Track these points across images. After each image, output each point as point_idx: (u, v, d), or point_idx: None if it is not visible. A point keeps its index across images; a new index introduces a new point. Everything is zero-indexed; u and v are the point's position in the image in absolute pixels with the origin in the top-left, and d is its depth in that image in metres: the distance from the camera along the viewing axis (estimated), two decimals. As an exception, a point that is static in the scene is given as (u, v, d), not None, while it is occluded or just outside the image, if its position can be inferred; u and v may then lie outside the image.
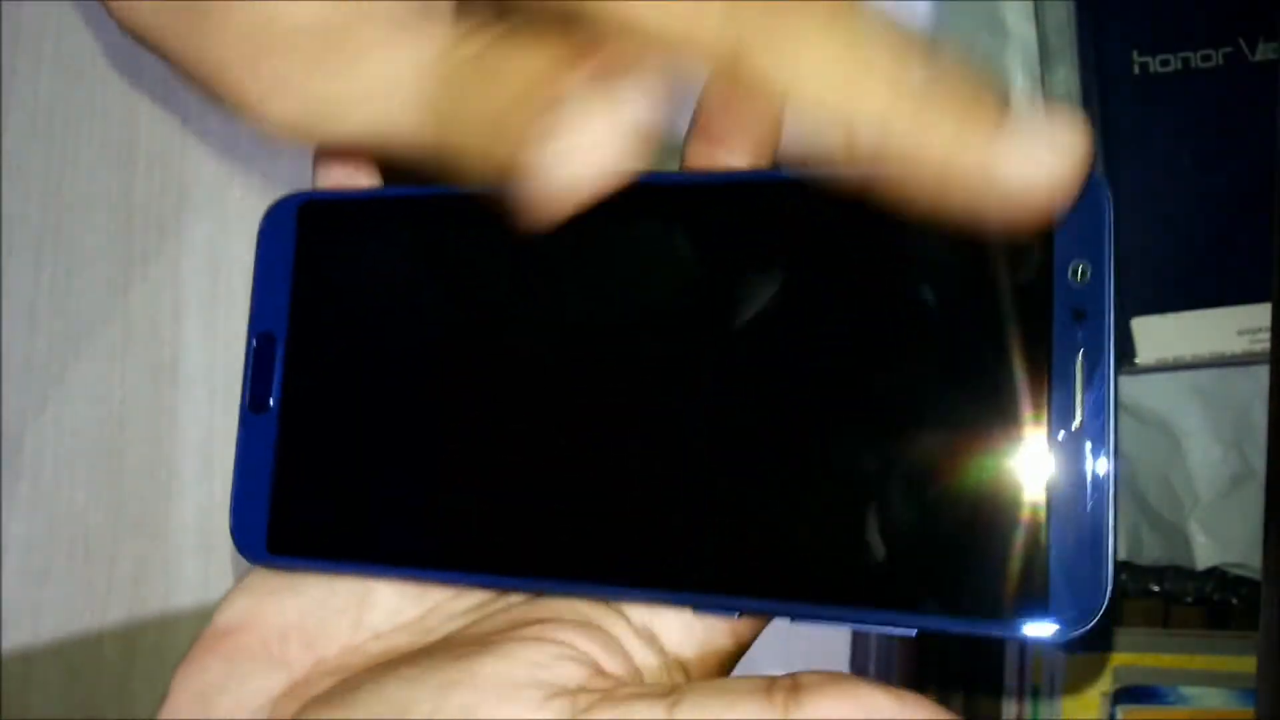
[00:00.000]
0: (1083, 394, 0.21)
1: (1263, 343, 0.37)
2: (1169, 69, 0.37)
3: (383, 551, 0.26)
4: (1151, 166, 0.37)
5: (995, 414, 0.22)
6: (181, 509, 0.38)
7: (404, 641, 0.25)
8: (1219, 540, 0.40)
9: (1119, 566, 0.21)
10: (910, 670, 0.43)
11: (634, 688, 0.22)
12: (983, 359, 0.22)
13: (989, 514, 0.21)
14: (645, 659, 0.23)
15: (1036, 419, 0.21)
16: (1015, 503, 0.21)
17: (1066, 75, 0.38)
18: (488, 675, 0.22)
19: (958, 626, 0.22)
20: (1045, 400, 0.21)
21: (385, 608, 0.26)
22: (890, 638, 0.40)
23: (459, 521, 0.26)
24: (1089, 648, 0.41)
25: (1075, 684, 0.41)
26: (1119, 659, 0.41)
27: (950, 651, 0.43)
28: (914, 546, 0.22)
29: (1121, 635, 0.42)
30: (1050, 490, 0.21)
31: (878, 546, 0.22)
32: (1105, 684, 0.41)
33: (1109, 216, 0.21)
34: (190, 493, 0.38)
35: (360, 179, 0.28)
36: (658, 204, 0.25)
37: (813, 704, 0.21)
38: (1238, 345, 0.38)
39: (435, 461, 0.26)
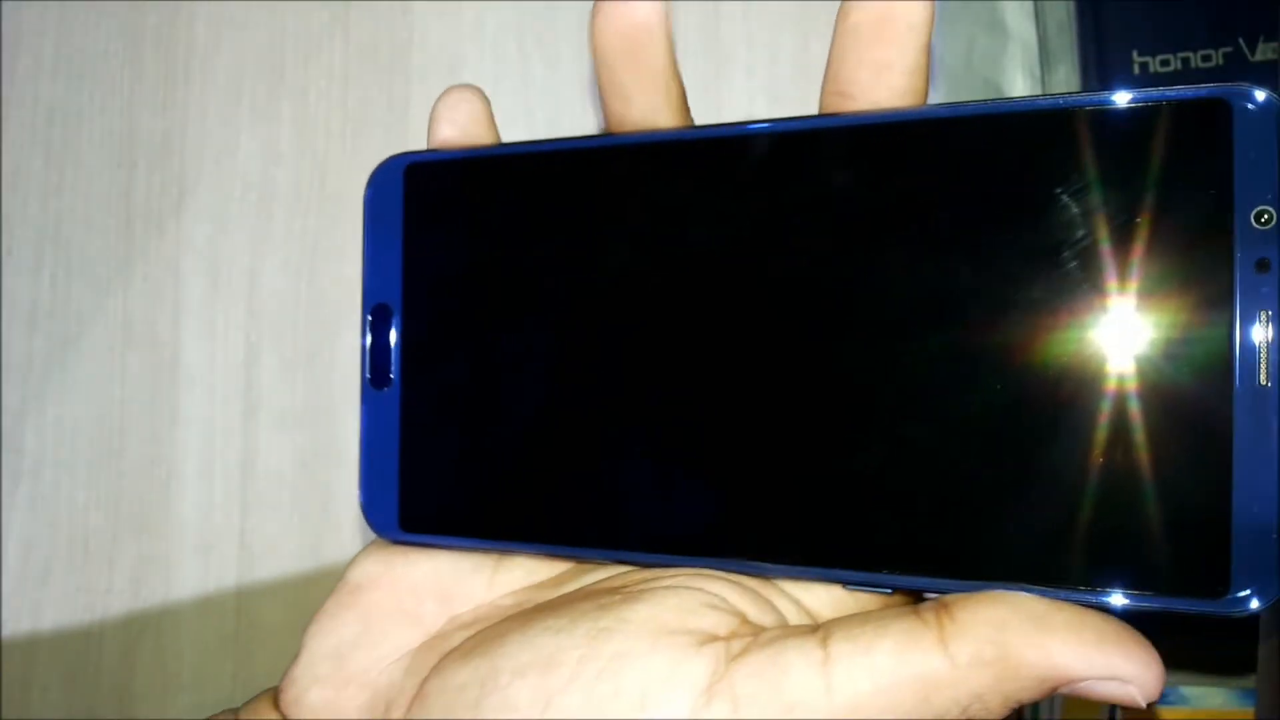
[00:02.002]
0: (1271, 350, 0.19)
1: (1263, 343, 0.37)
2: (1169, 69, 0.37)
3: (516, 528, 0.25)
4: (1151, 166, 0.37)
5: (1177, 374, 0.20)
6: (181, 509, 0.38)
7: (539, 599, 0.25)
8: (1219, 540, 0.40)
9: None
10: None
11: (781, 629, 0.22)
12: (1162, 315, 0.20)
13: (1169, 481, 0.20)
14: (791, 614, 0.23)
15: (1222, 378, 0.20)
16: (1198, 469, 0.20)
17: (1066, 75, 0.38)
18: (640, 621, 0.22)
19: (1140, 601, 0.20)
20: (1230, 358, 0.20)
21: (520, 567, 0.26)
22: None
23: (594, 497, 0.25)
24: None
25: (1075, 684, 0.41)
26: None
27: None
28: (1090, 518, 0.20)
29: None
30: (1235, 452, 0.19)
31: (1050, 520, 0.21)
32: (1105, 684, 0.41)
33: None
34: (190, 493, 0.38)
35: (476, 134, 0.27)
36: (781, 156, 0.23)
37: (966, 613, 0.20)
38: (1238, 345, 0.38)
39: (565, 433, 0.25)
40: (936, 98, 0.39)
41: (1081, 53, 0.38)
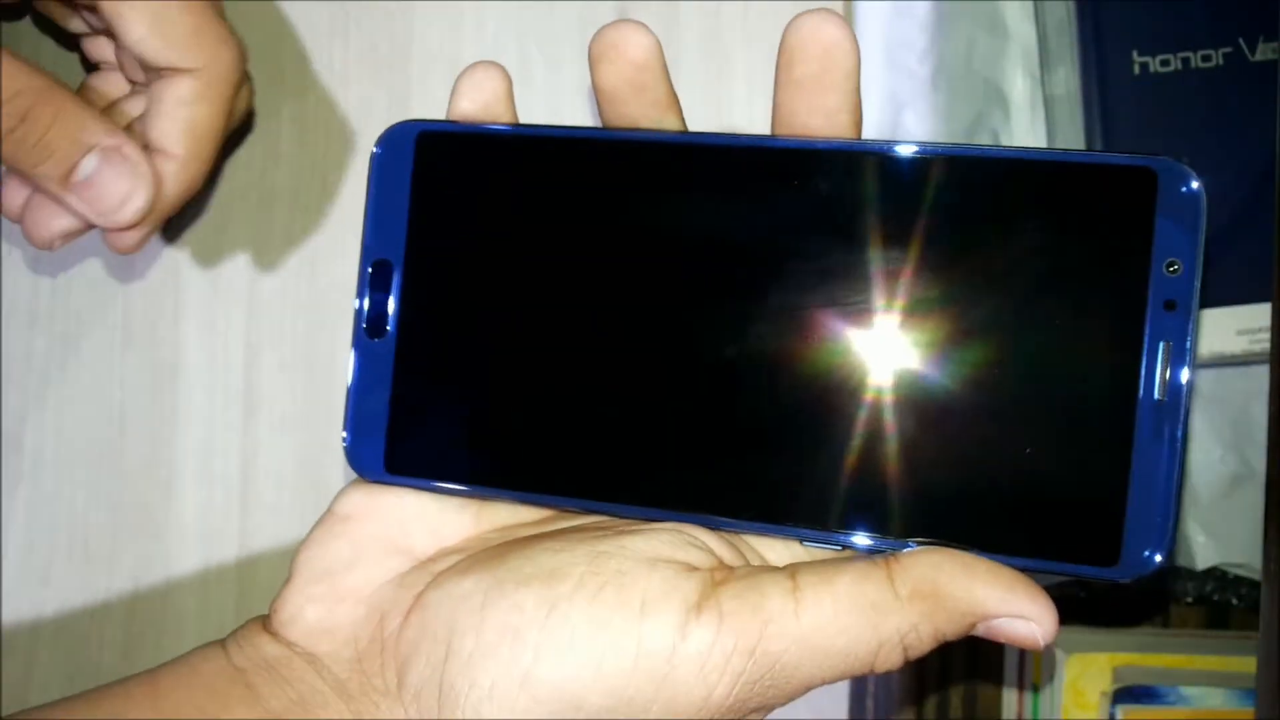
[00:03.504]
0: (1166, 374, 0.24)
1: (1263, 343, 0.37)
2: (1169, 69, 0.37)
3: (496, 475, 0.27)
4: (1151, 166, 0.37)
5: (1095, 385, 0.24)
6: (181, 509, 0.38)
7: (526, 534, 0.27)
8: (1219, 540, 0.40)
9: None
10: (911, 667, 0.43)
11: (754, 567, 0.25)
12: (1086, 334, 0.25)
13: (1079, 470, 0.24)
14: (757, 563, 0.26)
15: (1129, 390, 0.24)
16: (1105, 457, 0.24)
17: (1066, 75, 0.38)
18: (636, 549, 0.25)
19: (1046, 566, 0.25)
20: (1136, 375, 0.24)
21: (504, 508, 0.28)
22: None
23: (574, 449, 0.27)
24: (1091, 647, 0.41)
25: (1075, 683, 0.41)
26: (1119, 659, 0.41)
27: (951, 649, 0.43)
28: (1017, 495, 0.25)
29: (1121, 635, 0.42)
30: (1134, 452, 0.24)
31: (982, 495, 0.25)
32: (1105, 683, 0.41)
33: (1203, 220, 0.24)
34: (190, 493, 0.38)
35: (495, 111, 0.28)
36: (774, 164, 0.26)
37: (909, 558, 0.24)
38: (1238, 345, 0.38)
39: (550, 390, 0.27)
40: (938, 99, 0.39)
41: (1081, 53, 0.38)
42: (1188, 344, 0.24)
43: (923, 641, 0.24)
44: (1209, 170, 0.37)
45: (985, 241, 0.25)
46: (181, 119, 0.31)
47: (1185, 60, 0.37)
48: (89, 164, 0.30)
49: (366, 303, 0.28)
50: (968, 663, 0.44)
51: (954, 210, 0.25)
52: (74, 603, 0.38)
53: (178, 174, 0.31)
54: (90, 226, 0.31)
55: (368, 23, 0.39)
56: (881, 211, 0.26)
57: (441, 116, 0.28)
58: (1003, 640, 0.24)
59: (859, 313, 0.26)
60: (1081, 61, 0.38)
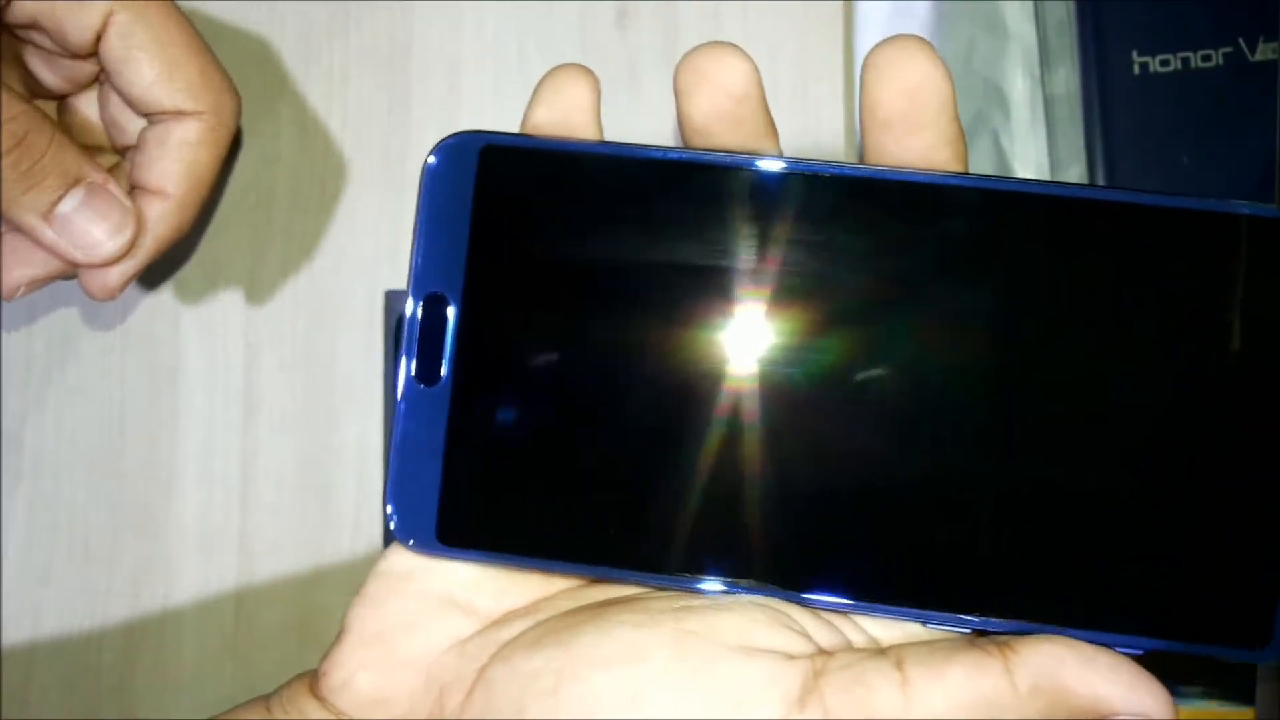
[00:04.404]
0: None
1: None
2: (1169, 69, 0.37)
3: (573, 550, 0.24)
4: (1151, 166, 0.37)
5: (1241, 450, 0.23)
6: (181, 509, 0.38)
7: (597, 597, 0.25)
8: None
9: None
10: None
11: (853, 653, 0.23)
12: (1234, 398, 0.23)
13: (1225, 541, 0.23)
14: (855, 638, 0.24)
15: (1273, 463, 0.23)
16: (1256, 530, 0.23)
17: (1066, 75, 0.38)
18: (727, 632, 0.22)
19: (1186, 649, 0.23)
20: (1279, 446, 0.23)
21: None
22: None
23: (666, 520, 0.24)
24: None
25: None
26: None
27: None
28: (1153, 571, 0.23)
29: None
30: None
31: (1111, 569, 0.23)
32: (1105, 684, 0.41)
33: None
34: (190, 493, 0.38)
35: (577, 124, 0.25)
36: (873, 201, 0.24)
37: (1026, 648, 0.22)
38: (1238, 345, 0.38)
39: (631, 451, 0.24)
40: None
41: (1081, 53, 0.38)
42: None
43: None
44: (1209, 170, 0.37)
45: (1129, 296, 0.23)
46: (185, 159, 0.31)
47: (1185, 60, 0.37)
48: (74, 198, 0.30)
49: (416, 343, 0.24)
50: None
51: (1088, 261, 0.23)
52: (74, 603, 0.38)
53: (172, 214, 0.32)
54: (57, 275, 0.32)
55: (368, 23, 0.39)
56: (1004, 260, 0.23)
57: (474, 124, 0.26)
58: None
59: (988, 370, 0.23)
60: (1081, 61, 0.38)
